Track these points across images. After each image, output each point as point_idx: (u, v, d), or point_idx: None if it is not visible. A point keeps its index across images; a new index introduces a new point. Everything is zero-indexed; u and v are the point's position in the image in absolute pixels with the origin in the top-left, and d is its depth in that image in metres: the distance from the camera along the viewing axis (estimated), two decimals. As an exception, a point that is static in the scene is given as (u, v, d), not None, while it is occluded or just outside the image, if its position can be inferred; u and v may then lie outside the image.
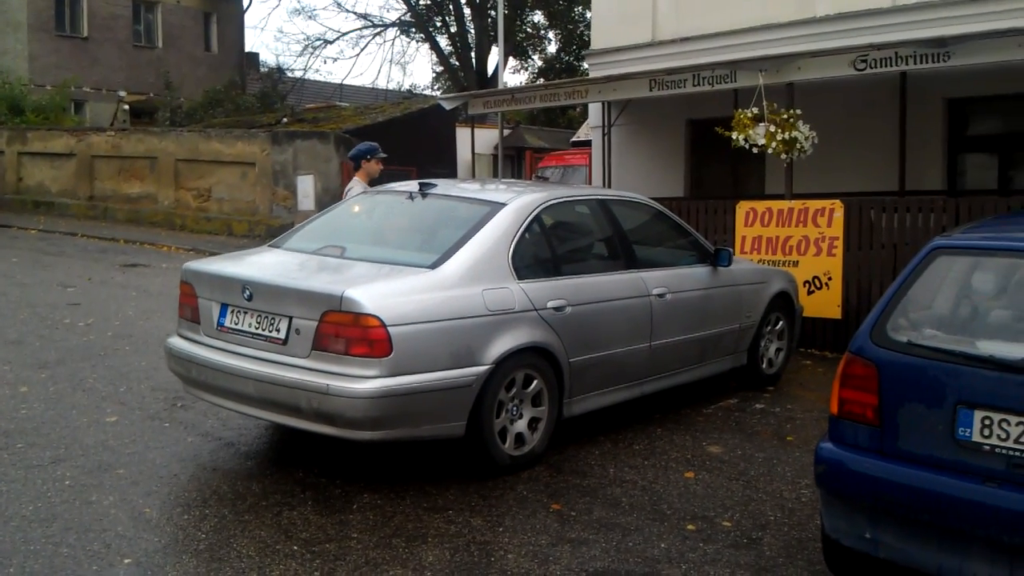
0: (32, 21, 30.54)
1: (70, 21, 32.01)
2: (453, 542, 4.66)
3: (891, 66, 9.44)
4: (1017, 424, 3.49)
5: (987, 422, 3.55)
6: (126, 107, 30.94)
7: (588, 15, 24.59)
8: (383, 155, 8.86)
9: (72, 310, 10.78)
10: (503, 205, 6.05)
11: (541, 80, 37.45)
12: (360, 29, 39.92)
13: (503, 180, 12.95)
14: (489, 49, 36.41)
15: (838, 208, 9.46)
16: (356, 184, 8.62)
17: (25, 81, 28.57)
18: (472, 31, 37.24)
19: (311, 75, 39.17)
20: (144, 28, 34.35)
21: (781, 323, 8.20)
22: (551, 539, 4.74)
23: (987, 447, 3.55)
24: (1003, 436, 3.52)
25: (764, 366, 8.06)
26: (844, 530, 3.94)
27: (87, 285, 12.91)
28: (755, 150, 9.97)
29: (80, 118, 30.23)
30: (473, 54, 37.06)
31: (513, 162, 29.97)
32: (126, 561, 4.34)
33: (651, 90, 11.42)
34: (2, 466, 5.56)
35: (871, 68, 9.47)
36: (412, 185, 6.67)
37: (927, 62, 9.18)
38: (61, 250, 17.07)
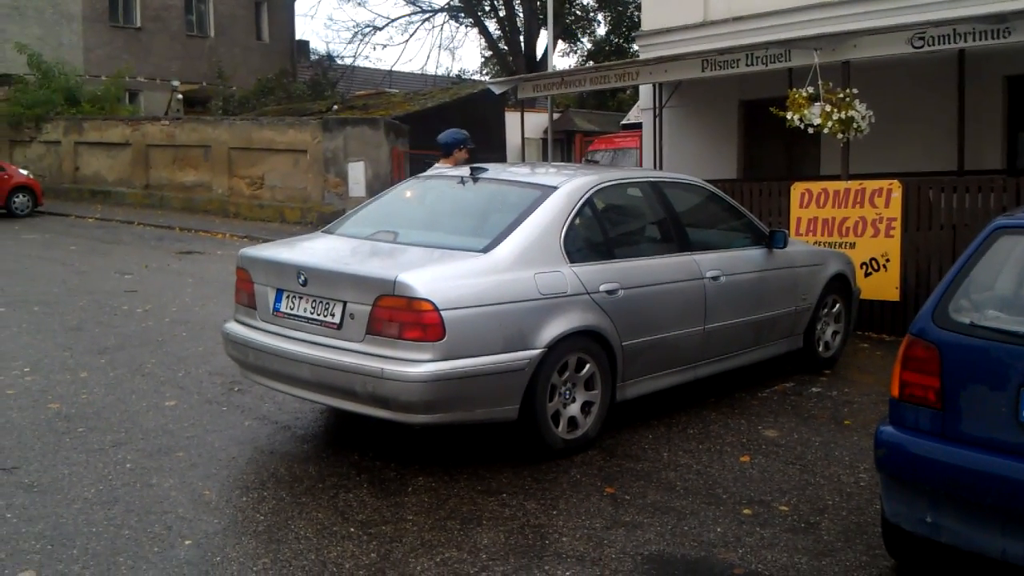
0: (87, 13, 31.03)
1: (123, 12, 32.48)
2: (507, 525, 4.67)
3: (949, 43, 9.24)
4: (1084, 406, 3.40)
5: (1052, 405, 3.47)
6: (179, 96, 31.33)
7: (638, -3, 24.36)
8: (472, 145, 8.82)
9: (130, 297, 10.96)
10: (555, 188, 6.03)
11: (591, 63, 37.23)
12: (409, 15, 40.06)
13: (553, 164, 12.92)
14: (538, 33, 36.28)
15: (896, 188, 9.29)
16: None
17: (80, 72, 29.05)
18: (521, 15, 37.11)
19: (361, 62, 39.48)
20: (196, 18, 34.73)
21: (838, 306, 8.08)
22: (605, 522, 4.73)
23: (1052, 430, 3.47)
24: (1069, 419, 3.43)
25: (820, 349, 7.96)
26: (905, 514, 3.88)
27: (144, 272, 13.12)
28: (810, 130, 9.84)
29: (134, 108, 30.69)
30: (522, 38, 36.95)
31: (563, 146, 29.89)
32: (186, 542, 4.41)
33: (703, 71, 11.31)
34: (64, 450, 5.68)
35: (928, 45, 9.29)
36: (464, 169, 6.67)
37: (986, 39, 8.97)
38: (118, 238, 17.37)
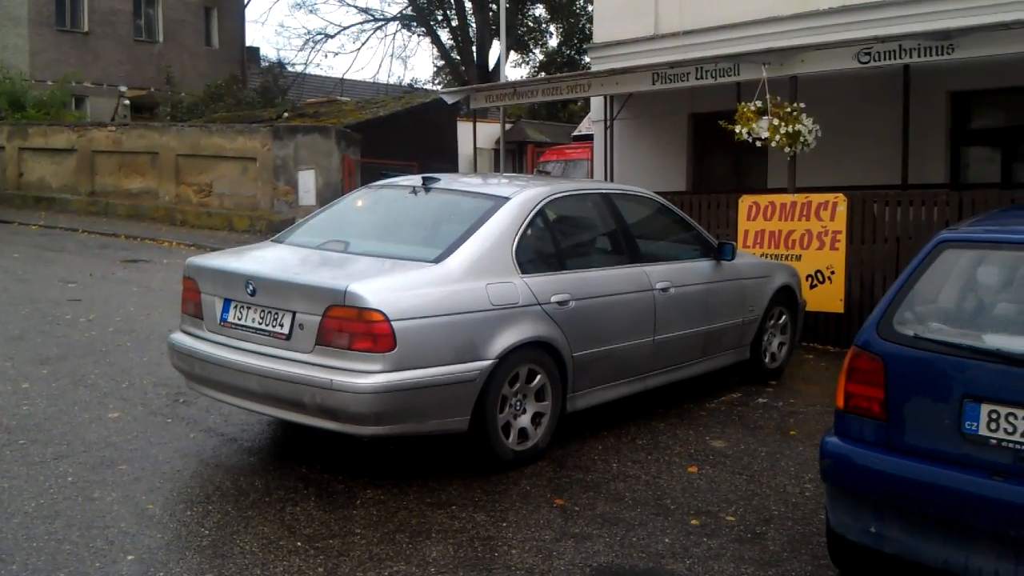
0: (33, 16, 30.49)
1: (71, 16, 31.96)
2: (457, 537, 4.65)
3: (895, 59, 9.41)
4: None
5: (994, 416, 3.54)
6: (127, 102, 30.88)
7: (590, 8, 24.55)
8: None
9: (74, 306, 10.76)
10: (507, 199, 6.03)
11: (543, 74, 37.38)
12: (361, 23, 40.03)
13: (505, 174, 12.95)
14: (490, 43, 36.38)
15: (841, 202, 9.43)
16: None
17: (26, 76, 28.53)
18: (473, 25, 37.18)
19: (312, 69, 39.22)
20: (145, 23, 34.30)
21: (784, 317, 8.18)
22: (555, 534, 4.73)
23: (994, 441, 3.53)
24: (1010, 430, 3.50)
25: (767, 360, 8.05)
26: (849, 525, 3.93)
27: (88, 281, 12.90)
28: (758, 144, 9.96)
29: (81, 113, 30.20)
30: (474, 48, 37.02)
31: (515, 156, 29.94)
32: (129, 558, 4.33)
33: (654, 84, 11.40)
34: (4, 463, 5.55)
35: (875, 61, 9.45)
36: (415, 179, 6.65)
37: (931, 55, 9.15)
38: (62, 246, 17.06)
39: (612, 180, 13.53)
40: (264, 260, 5.97)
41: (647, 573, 4.34)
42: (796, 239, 9.62)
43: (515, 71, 42.12)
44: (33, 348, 8.55)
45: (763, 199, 10.04)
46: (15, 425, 6.28)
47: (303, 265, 5.80)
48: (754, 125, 9.78)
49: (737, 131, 9.95)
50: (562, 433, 6.08)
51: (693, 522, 4.95)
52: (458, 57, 38.47)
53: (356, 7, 50.87)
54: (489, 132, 24.97)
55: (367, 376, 4.95)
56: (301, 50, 49.07)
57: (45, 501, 4.98)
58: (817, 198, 9.59)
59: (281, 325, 5.28)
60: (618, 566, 4.39)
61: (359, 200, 6.94)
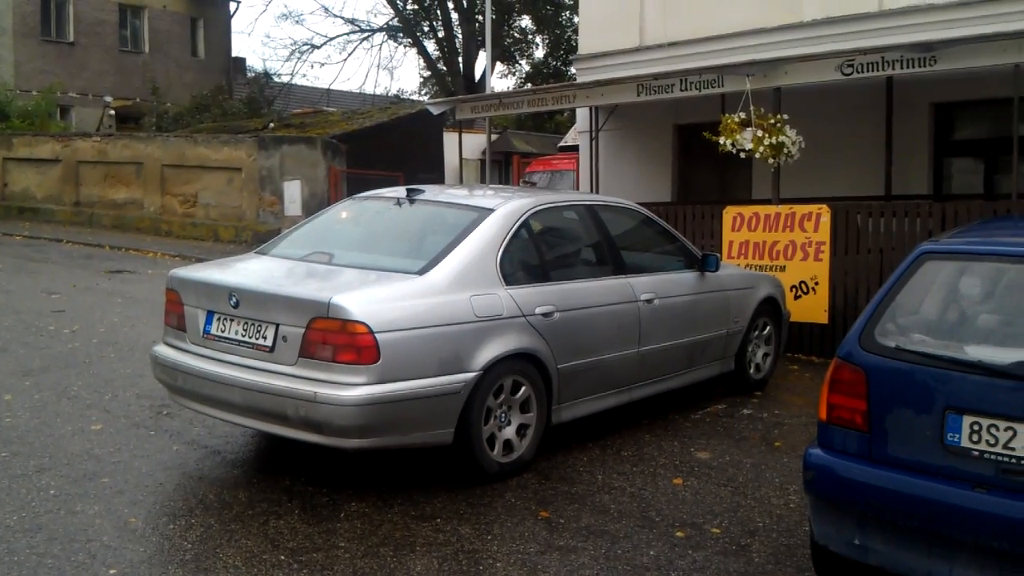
0: (17, 26, 30.38)
1: (56, 26, 31.85)
2: (441, 551, 4.63)
3: (878, 71, 9.48)
4: (1006, 429, 3.48)
5: (976, 427, 3.55)
6: (112, 112, 30.79)
7: (576, 20, 24.63)
8: None
9: (57, 317, 10.71)
10: (491, 211, 6.04)
11: (529, 85, 37.45)
12: (347, 34, 39.90)
13: (490, 186, 12.96)
14: (476, 54, 36.41)
15: (825, 213, 9.47)
16: None
17: (10, 86, 28.44)
18: (459, 36, 37.22)
19: (298, 80, 39.12)
20: (131, 33, 34.21)
21: (768, 328, 8.20)
22: (540, 547, 4.72)
23: (976, 452, 3.55)
24: (992, 441, 3.51)
25: (752, 371, 8.06)
26: (833, 536, 3.93)
27: (72, 292, 12.83)
28: (742, 155, 9.99)
29: (66, 124, 30.08)
30: (460, 59, 37.05)
31: (500, 167, 29.98)
32: (111, 572, 4.30)
33: (638, 95, 11.44)
34: (-15, 476, 5.51)
35: (858, 73, 9.51)
36: (400, 191, 6.65)
37: (913, 67, 9.21)
38: (46, 256, 16.98)
39: (598, 191, 13.55)
40: (247, 272, 5.96)
41: (631, 585, 4.33)
42: (780, 250, 9.66)
43: (501, 82, 42.14)
44: (16, 359, 8.50)
45: (747, 210, 10.08)
46: (-4, 438, 6.23)
47: (287, 277, 5.79)
48: (738, 136, 9.82)
49: (721, 142, 9.99)
50: (547, 445, 6.07)
51: (678, 534, 4.94)
52: (444, 68, 38.50)
53: (342, 18, 51.17)
54: (475, 143, 25.01)
55: (351, 388, 4.94)
56: (287, 61, 49.33)
57: (27, 514, 4.94)
58: (801, 209, 9.63)
59: (264, 337, 5.26)
60: (602, 578, 4.38)
61: (343, 212, 6.93)
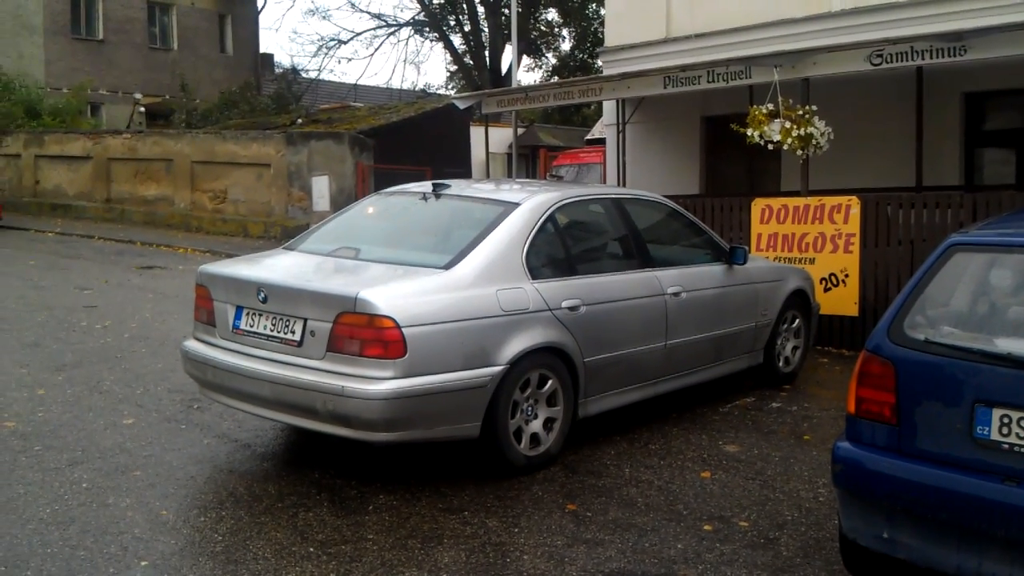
0: (48, 24, 30.71)
1: (86, 24, 32.18)
2: (469, 543, 4.65)
3: (907, 61, 9.38)
4: (1036, 422, 3.45)
5: (1005, 420, 3.52)
6: (142, 109, 31.08)
7: (602, 12, 24.57)
8: None
9: (89, 312, 10.83)
10: (517, 205, 6.04)
11: (555, 78, 37.39)
12: (374, 29, 40.16)
13: (517, 180, 12.97)
14: (503, 48, 36.37)
15: (855, 204, 9.40)
16: None
17: (41, 84, 28.77)
18: (486, 30, 37.20)
19: (325, 75, 39.34)
20: (159, 30, 34.50)
21: (797, 321, 8.16)
22: (567, 540, 4.73)
23: (1005, 445, 3.52)
24: (1022, 434, 3.48)
25: (780, 364, 8.02)
26: (861, 530, 3.92)
27: (104, 287, 12.97)
28: (770, 147, 9.94)
29: (96, 121, 30.41)
30: (487, 53, 37.04)
31: (527, 161, 29.93)
32: (143, 563, 4.35)
33: (665, 87, 11.40)
34: (20, 469, 5.59)
35: (887, 63, 9.42)
36: (426, 186, 6.66)
37: (943, 56, 9.11)
38: (78, 252, 17.17)
39: (625, 184, 13.53)
40: (275, 267, 6.00)
41: (659, 579, 4.34)
42: (810, 242, 9.60)
43: (528, 75, 42.14)
44: (49, 355, 8.60)
45: (776, 202, 10.02)
46: (31, 431, 6.32)
47: (314, 272, 5.83)
48: (766, 128, 9.77)
49: (749, 134, 9.94)
50: (574, 438, 6.08)
51: (706, 527, 4.94)
52: (471, 62, 38.51)
53: (369, 13, 51.24)
54: (502, 136, 24.98)
55: (378, 383, 4.96)
56: (314, 56, 49.30)
57: (60, 507, 5.01)
58: (830, 201, 9.56)
59: (293, 332, 5.30)
60: (630, 572, 4.38)
61: (370, 207, 6.96)
